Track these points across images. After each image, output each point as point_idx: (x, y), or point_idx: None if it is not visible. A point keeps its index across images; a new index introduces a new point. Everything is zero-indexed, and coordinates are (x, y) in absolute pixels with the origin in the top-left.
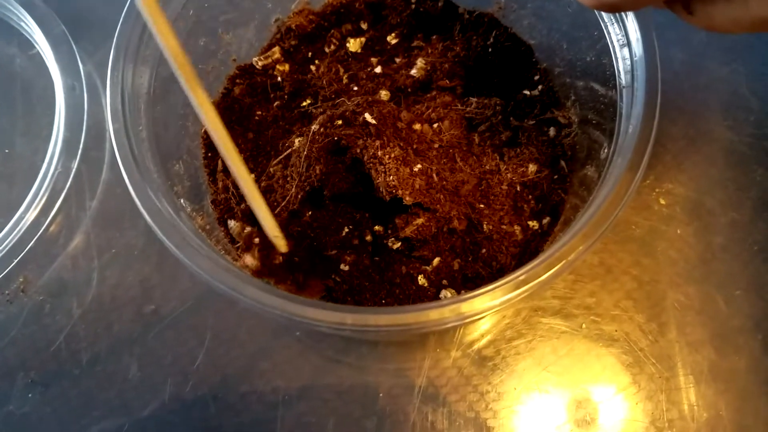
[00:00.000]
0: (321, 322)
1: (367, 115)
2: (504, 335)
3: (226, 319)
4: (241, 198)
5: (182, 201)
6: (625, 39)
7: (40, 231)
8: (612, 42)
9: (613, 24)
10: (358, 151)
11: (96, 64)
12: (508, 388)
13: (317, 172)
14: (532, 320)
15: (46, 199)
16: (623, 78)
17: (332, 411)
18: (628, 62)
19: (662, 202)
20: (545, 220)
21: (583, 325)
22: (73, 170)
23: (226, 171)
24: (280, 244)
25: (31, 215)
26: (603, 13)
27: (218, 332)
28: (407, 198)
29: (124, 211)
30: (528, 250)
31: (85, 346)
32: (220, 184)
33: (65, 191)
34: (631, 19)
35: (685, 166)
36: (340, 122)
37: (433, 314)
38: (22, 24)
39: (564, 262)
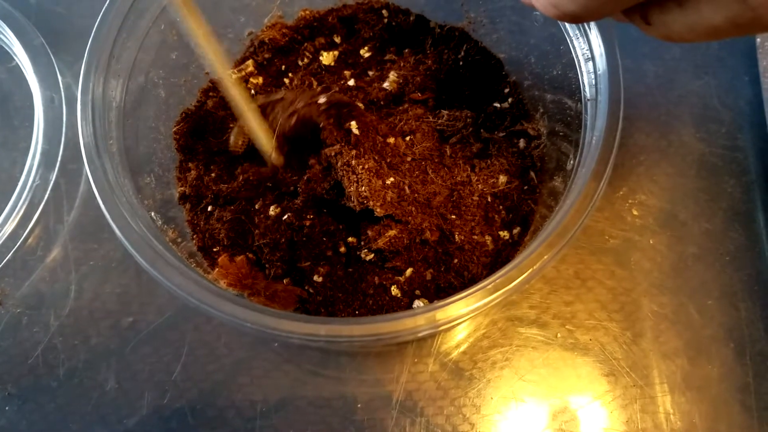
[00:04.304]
0: (294, 334)
1: (353, 124)
2: (480, 345)
3: (204, 331)
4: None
5: (152, 214)
6: (589, 53)
7: (18, 243)
8: (577, 56)
9: (578, 38)
10: (333, 154)
11: (75, 76)
12: (485, 398)
13: (292, 123)
14: (508, 330)
15: (24, 211)
16: (588, 91)
17: (310, 423)
18: (593, 76)
19: (635, 213)
20: (516, 230)
21: (559, 335)
22: (51, 182)
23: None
24: (275, 157)
25: (9, 227)
26: (568, 28)
27: (196, 345)
28: (378, 210)
29: (101, 224)
30: (499, 259)
31: (62, 358)
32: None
33: (43, 203)
34: (594, 34)
35: (657, 177)
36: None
37: (407, 323)
38: (1, 36)
39: (531, 270)
